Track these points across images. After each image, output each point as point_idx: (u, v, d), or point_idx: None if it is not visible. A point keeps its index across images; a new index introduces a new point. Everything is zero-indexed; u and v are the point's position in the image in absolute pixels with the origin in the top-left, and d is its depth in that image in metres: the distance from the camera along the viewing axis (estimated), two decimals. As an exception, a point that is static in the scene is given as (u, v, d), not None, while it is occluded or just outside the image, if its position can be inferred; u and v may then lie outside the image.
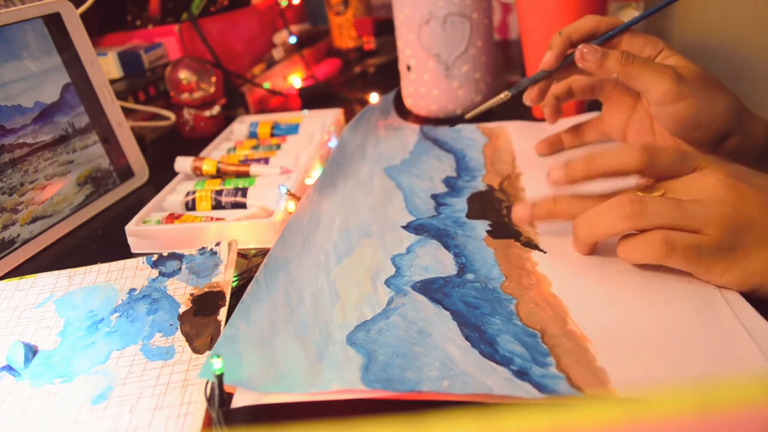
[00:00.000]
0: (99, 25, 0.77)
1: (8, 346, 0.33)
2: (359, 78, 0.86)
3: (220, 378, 0.26)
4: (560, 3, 0.54)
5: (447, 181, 0.48)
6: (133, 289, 0.37)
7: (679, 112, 0.37)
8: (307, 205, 0.42)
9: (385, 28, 0.91)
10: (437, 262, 0.37)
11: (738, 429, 0.15)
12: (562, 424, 0.16)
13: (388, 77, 0.79)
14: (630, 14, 0.82)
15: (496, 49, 0.70)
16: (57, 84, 0.49)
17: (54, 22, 0.49)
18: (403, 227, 0.41)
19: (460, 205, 0.44)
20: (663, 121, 0.38)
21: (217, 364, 0.26)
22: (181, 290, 0.36)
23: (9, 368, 0.32)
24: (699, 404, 0.15)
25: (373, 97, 0.71)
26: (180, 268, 0.38)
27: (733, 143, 0.38)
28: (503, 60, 0.86)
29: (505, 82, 0.74)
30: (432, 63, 0.61)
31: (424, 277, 0.35)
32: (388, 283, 0.35)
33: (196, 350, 0.31)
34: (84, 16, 0.53)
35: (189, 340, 0.32)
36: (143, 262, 0.39)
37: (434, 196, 0.46)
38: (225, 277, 0.37)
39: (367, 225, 0.42)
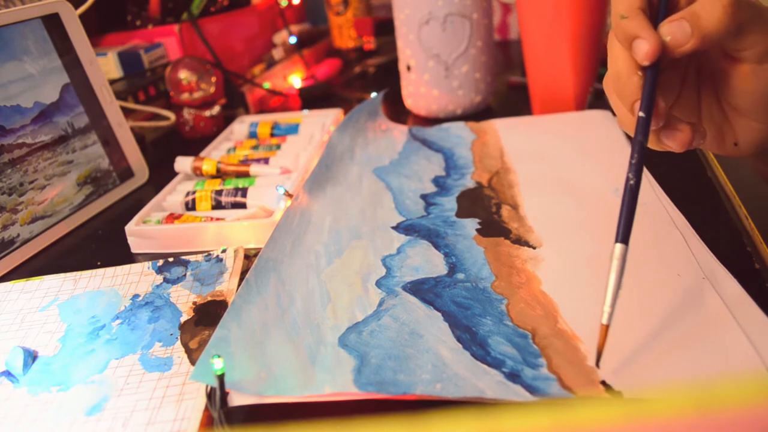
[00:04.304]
0: (99, 25, 0.77)
1: (9, 351, 0.33)
2: (359, 78, 0.86)
3: (221, 378, 0.26)
4: (560, 3, 0.54)
5: (436, 181, 0.48)
6: (136, 295, 0.37)
7: None
8: (297, 207, 0.42)
9: (385, 28, 0.91)
10: (427, 262, 0.37)
11: (733, 429, 0.15)
12: (562, 424, 0.16)
13: (388, 77, 0.79)
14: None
15: (496, 49, 0.71)
16: (56, 84, 0.49)
17: (53, 23, 0.49)
18: (393, 228, 0.41)
19: (449, 204, 0.44)
20: (752, 87, 0.30)
21: (218, 365, 0.26)
22: (185, 298, 0.36)
23: (8, 374, 0.32)
24: (695, 404, 0.15)
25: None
26: (185, 275, 0.38)
27: None
28: (503, 60, 0.86)
29: (506, 82, 0.74)
30: (432, 63, 0.61)
31: (415, 277, 0.35)
32: (378, 284, 0.35)
33: (195, 362, 0.31)
34: (84, 17, 0.53)
35: (188, 351, 0.32)
36: (148, 267, 0.39)
37: (423, 196, 0.46)
38: (229, 286, 0.37)
39: (356, 226, 0.42)
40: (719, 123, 0.33)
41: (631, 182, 0.28)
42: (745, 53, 0.29)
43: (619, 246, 0.27)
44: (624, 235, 0.27)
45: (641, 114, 0.28)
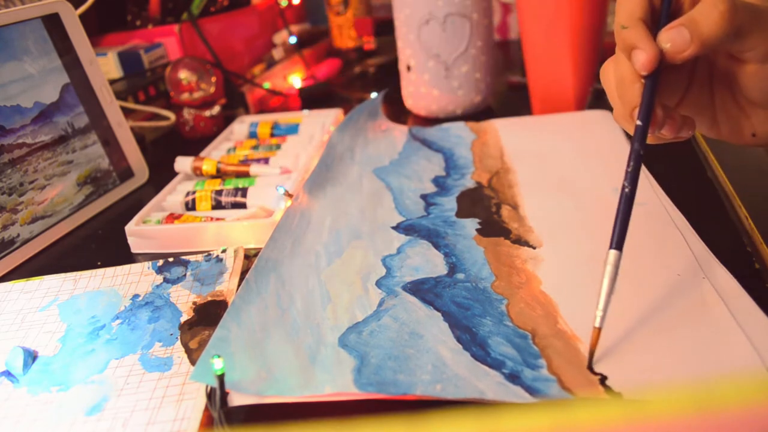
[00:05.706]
0: (99, 25, 0.77)
1: (9, 351, 0.33)
2: (359, 78, 0.86)
3: (221, 378, 0.26)
4: (560, 3, 0.54)
5: (436, 181, 0.48)
6: (136, 295, 0.37)
7: None
8: (297, 207, 0.42)
9: (385, 28, 0.91)
10: (428, 262, 0.37)
11: (733, 429, 0.15)
12: (562, 425, 0.16)
13: (388, 77, 0.79)
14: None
15: (496, 49, 0.70)
16: (56, 84, 0.49)
17: (53, 23, 0.49)
18: (393, 228, 0.41)
19: (449, 204, 0.44)
20: (760, 84, 0.30)
21: (218, 365, 0.26)
22: (185, 298, 0.36)
23: (8, 374, 0.32)
24: (695, 404, 0.15)
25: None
26: (185, 275, 0.38)
27: None
28: (503, 60, 0.86)
29: (506, 82, 0.74)
30: (432, 63, 0.61)
31: (415, 277, 0.35)
32: (378, 284, 0.35)
33: (195, 362, 0.31)
34: (84, 16, 0.53)
35: (188, 351, 0.32)
36: (148, 267, 0.39)
37: (424, 196, 0.46)
38: (229, 286, 0.37)
39: (356, 226, 0.42)
40: (736, 116, 0.33)
41: (627, 190, 0.28)
42: (747, 55, 0.29)
43: (612, 252, 0.27)
44: (618, 241, 0.28)
45: (638, 122, 0.29)
